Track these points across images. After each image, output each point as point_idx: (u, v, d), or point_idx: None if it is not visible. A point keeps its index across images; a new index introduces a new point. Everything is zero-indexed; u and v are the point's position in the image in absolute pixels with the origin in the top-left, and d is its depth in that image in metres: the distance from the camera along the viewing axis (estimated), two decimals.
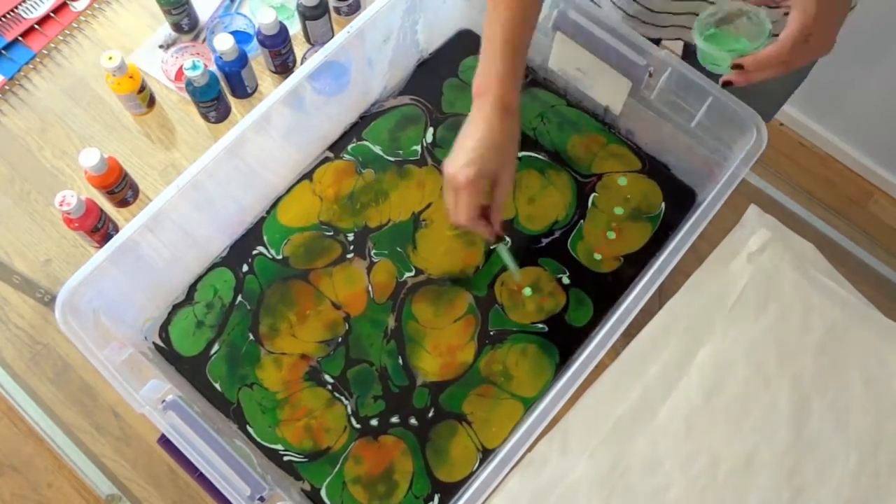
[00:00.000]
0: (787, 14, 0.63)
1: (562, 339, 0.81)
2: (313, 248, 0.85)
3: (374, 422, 0.77)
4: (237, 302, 0.82)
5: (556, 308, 0.82)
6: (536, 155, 0.90)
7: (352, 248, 0.85)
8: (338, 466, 0.76)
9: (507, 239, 0.83)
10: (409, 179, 0.88)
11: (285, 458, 0.76)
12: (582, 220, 0.86)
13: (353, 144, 0.90)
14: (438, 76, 0.94)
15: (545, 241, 0.86)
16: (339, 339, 0.81)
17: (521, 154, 0.89)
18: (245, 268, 0.84)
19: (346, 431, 0.77)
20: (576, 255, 0.85)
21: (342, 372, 0.79)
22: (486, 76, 0.71)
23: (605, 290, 0.83)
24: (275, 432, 0.77)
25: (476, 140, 0.70)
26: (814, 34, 0.61)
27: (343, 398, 0.78)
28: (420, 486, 0.75)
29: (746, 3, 0.68)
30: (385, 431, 0.77)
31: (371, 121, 0.92)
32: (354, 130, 0.91)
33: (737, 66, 0.64)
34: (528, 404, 0.78)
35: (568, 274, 0.84)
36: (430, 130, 0.91)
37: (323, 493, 0.75)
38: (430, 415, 0.78)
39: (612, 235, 0.86)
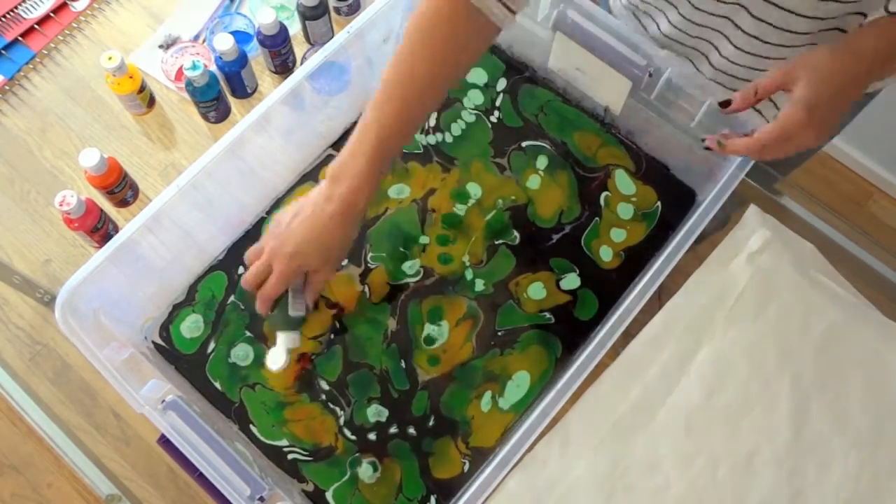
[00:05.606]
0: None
1: (567, 332, 0.81)
2: None
3: (371, 435, 0.77)
4: (229, 302, 0.82)
5: (563, 301, 0.83)
6: (542, 144, 0.90)
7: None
8: (347, 476, 0.76)
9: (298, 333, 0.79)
10: (410, 180, 0.89)
11: (290, 457, 0.76)
12: (598, 219, 0.87)
13: None
14: None
15: (556, 237, 0.86)
16: (332, 336, 0.81)
17: (525, 143, 0.90)
18: (241, 269, 0.84)
19: (339, 440, 0.77)
20: (590, 253, 0.85)
21: (339, 377, 0.79)
22: (347, 167, 0.70)
23: (611, 288, 0.83)
24: (281, 429, 0.77)
25: (310, 231, 0.71)
26: (796, 135, 0.63)
27: (338, 409, 0.78)
28: (415, 488, 0.75)
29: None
30: (385, 444, 0.77)
31: None
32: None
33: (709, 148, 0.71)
34: (522, 407, 0.78)
35: (578, 272, 0.84)
36: (433, 115, 0.92)
37: (329, 495, 0.75)
38: (431, 423, 0.78)
39: (620, 234, 0.86)
